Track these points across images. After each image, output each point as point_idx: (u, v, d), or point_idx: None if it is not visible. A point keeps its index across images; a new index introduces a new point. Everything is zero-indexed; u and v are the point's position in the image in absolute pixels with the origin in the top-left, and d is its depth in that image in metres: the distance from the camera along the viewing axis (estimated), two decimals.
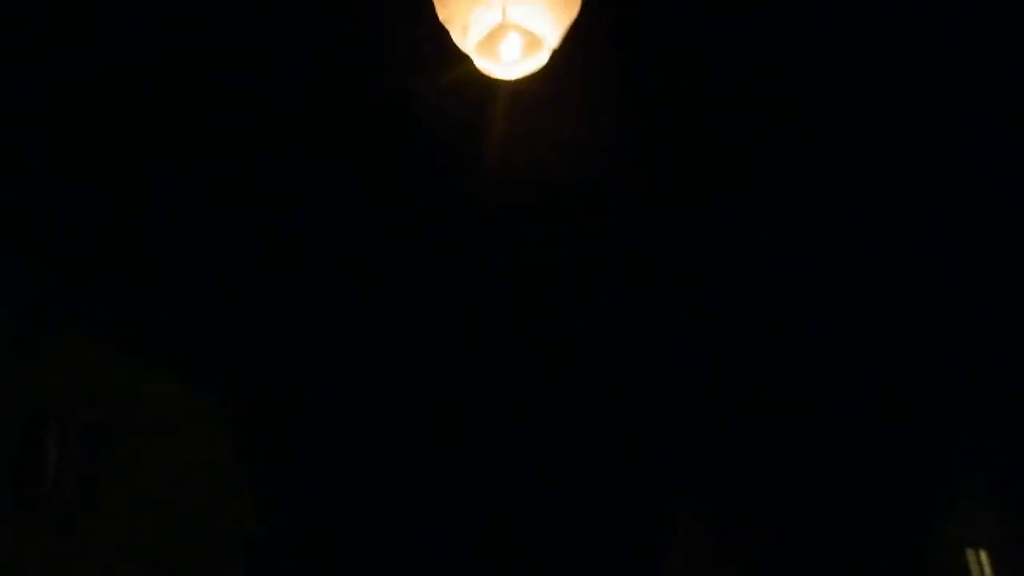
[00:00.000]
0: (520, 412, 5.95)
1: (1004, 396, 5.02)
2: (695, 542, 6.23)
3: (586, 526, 6.29)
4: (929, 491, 5.49)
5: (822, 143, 4.39)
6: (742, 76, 3.86)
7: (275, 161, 4.67)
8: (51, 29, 3.95)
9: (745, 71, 3.90)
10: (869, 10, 3.64)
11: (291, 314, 5.97)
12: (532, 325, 5.46)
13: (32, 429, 6.00)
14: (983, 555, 5.46)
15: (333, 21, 3.39)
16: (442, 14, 2.05)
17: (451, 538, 6.14)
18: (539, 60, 2.12)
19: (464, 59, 2.13)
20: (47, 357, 6.11)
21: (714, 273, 5.03)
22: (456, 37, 2.07)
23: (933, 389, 5.12)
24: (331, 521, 6.47)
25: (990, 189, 4.47)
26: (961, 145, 4.33)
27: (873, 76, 3.98)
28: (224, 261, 5.67)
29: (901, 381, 5.17)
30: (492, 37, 2.05)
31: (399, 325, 5.83)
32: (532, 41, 2.08)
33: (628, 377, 5.60)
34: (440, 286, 5.35)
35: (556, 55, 2.11)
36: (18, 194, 5.16)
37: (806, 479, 5.65)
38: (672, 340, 5.35)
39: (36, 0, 3.86)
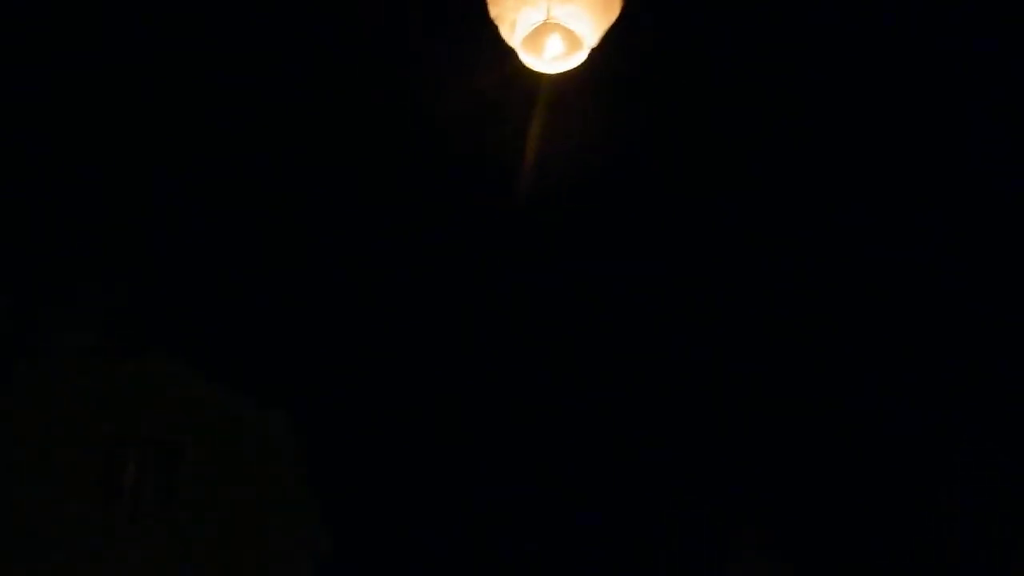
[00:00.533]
0: (581, 423, 5.94)
1: (1005, 397, 5.03)
2: (695, 542, 6.24)
3: (586, 526, 6.30)
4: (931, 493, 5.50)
5: (828, 143, 4.40)
6: (765, 77, 3.84)
7: (341, 186, 4.73)
8: (51, 29, 3.95)
9: (771, 73, 3.88)
10: (869, 9, 3.65)
11: (360, 339, 6.01)
12: (566, 328, 5.46)
13: (113, 449, 6.22)
14: None
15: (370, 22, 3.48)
16: (493, 11, 2.26)
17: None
18: (578, 58, 2.35)
19: (511, 53, 2.36)
20: (127, 379, 6.31)
21: (716, 273, 5.03)
22: (504, 32, 2.29)
23: (933, 389, 5.12)
24: (398, 540, 6.50)
25: (990, 189, 4.48)
26: (961, 145, 4.33)
27: (873, 75, 3.99)
28: (296, 288, 5.75)
29: (901, 381, 5.18)
30: (537, 34, 2.28)
31: (460, 346, 5.85)
32: (573, 40, 2.31)
33: (631, 377, 5.61)
34: (456, 287, 5.36)
35: (594, 53, 2.34)
36: (100, 218, 5.24)
37: (806, 479, 5.65)
38: (675, 340, 5.35)
39: (36, 0, 3.87)
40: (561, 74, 2.41)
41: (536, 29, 2.27)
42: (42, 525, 6.03)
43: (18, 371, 6.04)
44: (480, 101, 3.48)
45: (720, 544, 5.93)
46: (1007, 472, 5.05)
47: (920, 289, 4.84)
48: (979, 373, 4.93)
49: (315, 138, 4.50)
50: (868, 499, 5.48)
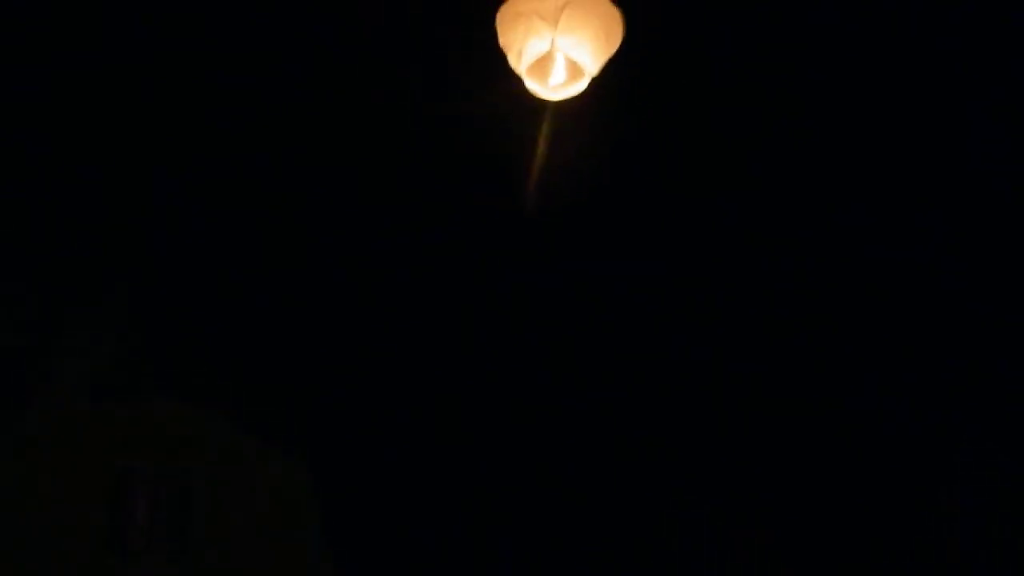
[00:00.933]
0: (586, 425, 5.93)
1: (1005, 397, 5.03)
2: (695, 542, 6.24)
3: (586, 526, 6.30)
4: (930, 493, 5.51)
5: (828, 143, 4.41)
6: (762, 80, 3.87)
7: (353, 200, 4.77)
8: (51, 29, 3.96)
9: (767, 75, 3.91)
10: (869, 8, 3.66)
11: (372, 374, 6.01)
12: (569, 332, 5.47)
13: (123, 488, 6.22)
14: None
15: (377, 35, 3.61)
16: (502, 40, 2.46)
17: None
18: (580, 86, 2.57)
19: (517, 80, 2.59)
20: (136, 418, 6.31)
21: (716, 273, 5.04)
22: (512, 61, 2.51)
23: (933, 389, 5.12)
24: None
25: (990, 189, 4.48)
26: (961, 145, 4.34)
27: (873, 75, 4.00)
28: (308, 327, 5.78)
29: (901, 381, 5.18)
30: (542, 63, 2.49)
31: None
32: (575, 69, 2.51)
33: (630, 377, 5.61)
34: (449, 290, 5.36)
35: (595, 81, 2.56)
36: (105, 255, 5.24)
37: (806, 479, 5.66)
38: (674, 340, 5.36)
39: (36, 0, 3.87)
40: (564, 99, 2.61)
41: (541, 58, 2.45)
42: (50, 565, 6.01)
43: (25, 410, 6.03)
44: (485, 107, 3.58)
45: (720, 544, 5.93)
46: (1007, 472, 5.05)
47: (920, 289, 4.84)
48: (979, 373, 4.92)
49: (315, 140, 4.51)
50: (868, 499, 5.48)
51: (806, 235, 4.81)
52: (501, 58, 2.51)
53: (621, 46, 2.52)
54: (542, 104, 2.82)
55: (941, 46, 3.78)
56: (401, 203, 4.77)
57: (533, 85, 2.57)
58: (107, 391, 6.22)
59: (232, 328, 5.98)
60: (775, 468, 5.70)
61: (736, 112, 4.21)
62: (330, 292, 5.55)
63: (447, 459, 6.30)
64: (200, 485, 6.49)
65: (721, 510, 5.86)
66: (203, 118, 4.39)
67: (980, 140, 4.23)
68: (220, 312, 5.85)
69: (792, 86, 4.12)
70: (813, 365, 5.33)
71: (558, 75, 2.55)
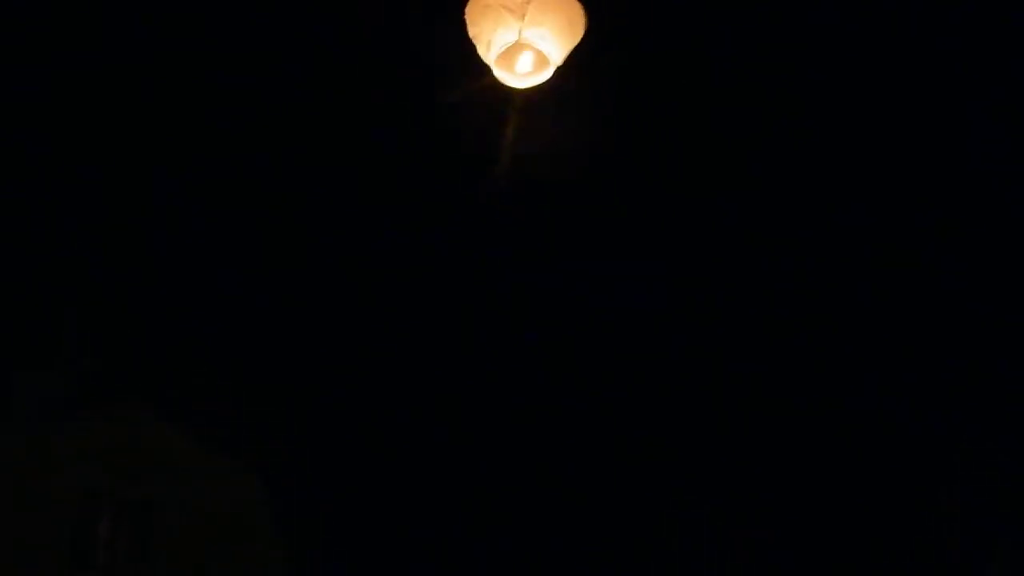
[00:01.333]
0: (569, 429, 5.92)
1: (1005, 397, 5.03)
2: (695, 542, 6.24)
3: (586, 526, 6.29)
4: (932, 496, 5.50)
5: (828, 143, 4.40)
6: (742, 75, 3.90)
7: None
8: (51, 29, 3.95)
9: (746, 70, 3.93)
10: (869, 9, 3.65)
11: (337, 395, 5.99)
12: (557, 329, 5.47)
13: (86, 506, 6.21)
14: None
15: (352, 26, 3.69)
16: (472, 31, 2.57)
17: None
18: (546, 74, 2.68)
19: (485, 70, 2.69)
20: (99, 435, 6.29)
21: (716, 273, 5.03)
22: (480, 51, 2.61)
23: (933, 389, 5.12)
24: None
25: (990, 189, 4.48)
26: (961, 145, 4.33)
27: (873, 75, 3.99)
28: (273, 345, 5.76)
29: (901, 381, 5.18)
30: (509, 53, 2.60)
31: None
32: (541, 59, 2.63)
33: (628, 377, 5.61)
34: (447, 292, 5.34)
35: (559, 71, 2.66)
36: (73, 273, 5.19)
37: (806, 479, 5.65)
38: (672, 340, 5.36)
39: (36, 0, 3.87)
40: (530, 88, 2.74)
41: (508, 48, 2.57)
42: None
43: None
44: (464, 105, 3.70)
45: (720, 544, 5.93)
46: (1007, 472, 5.05)
47: (920, 289, 4.84)
48: (979, 373, 4.92)
49: (314, 142, 4.50)
50: (868, 499, 5.48)
51: (806, 235, 4.81)
52: (471, 48, 2.62)
53: (584, 37, 2.63)
54: (510, 92, 2.93)
55: (941, 46, 3.78)
56: (383, 200, 4.78)
57: (502, 74, 2.66)
58: (69, 408, 6.19)
59: (195, 344, 5.96)
60: (775, 468, 5.70)
61: (735, 112, 4.20)
62: (300, 306, 5.54)
63: (426, 466, 6.29)
64: (164, 503, 6.48)
65: (721, 510, 5.86)
66: (203, 118, 4.38)
67: (980, 140, 4.23)
68: (183, 328, 5.83)
69: (792, 86, 4.11)
70: (813, 365, 5.33)
71: (524, 64, 2.66)
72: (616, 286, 5.18)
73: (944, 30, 3.70)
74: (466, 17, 2.58)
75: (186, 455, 6.63)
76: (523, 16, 2.51)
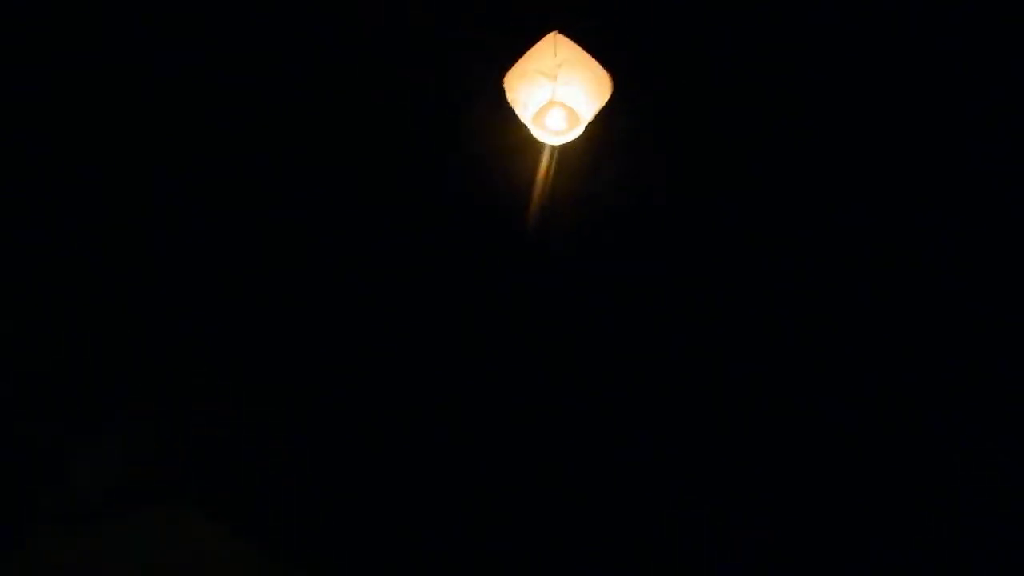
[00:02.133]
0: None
1: (1005, 397, 5.03)
2: (695, 542, 6.24)
3: (586, 526, 6.29)
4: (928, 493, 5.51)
5: (828, 143, 4.42)
6: (735, 71, 3.94)
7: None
8: (51, 29, 3.96)
9: (745, 68, 3.95)
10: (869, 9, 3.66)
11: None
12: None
13: None
14: None
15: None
16: (510, 96, 3.03)
17: None
18: (577, 131, 3.19)
19: (522, 126, 3.24)
20: (144, 537, 5.87)
21: (716, 273, 5.05)
22: (518, 110, 3.09)
23: (933, 389, 5.13)
24: None
25: (990, 189, 4.49)
26: (961, 145, 4.34)
27: (873, 75, 4.00)
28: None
29: (901, 381, 5.18)
30: (543, 111, 3.10)
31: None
32: (573, 116, 3.11)
33: (630, 377, 5.61)
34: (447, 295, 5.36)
35: (590, 127, 3.16)
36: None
37: (805, 479, 5.66)
38: (674, 340, 5.36)
39: (36, 0, 3.87)
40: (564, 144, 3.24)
41: (542, 108, 3.06)
42: None
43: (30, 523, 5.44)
44: (496, 148, 3.95)
45: (720, 544, 5.93)
46: (1007, 472, 5.06)
47: (920, 289, 4.85)
48: (979, 373, 4.93)
49: (315, 143, 4.51)
50: (868, 499, 5.49)
51: (806, 235, 4.82)
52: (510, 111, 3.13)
53: (612, 96, 3.04)
54: (543, 147, 3.43)
55: (941, 46, 3.79)
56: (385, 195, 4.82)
57: (537, 131, 3.15)
58: (114, 505, 5.59)
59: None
60: (775, 468, 5.71)
61: (735, 112, 4.22)
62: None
63: (426, 466, 6.30)
64: None
65: (721, 510, 5.87)
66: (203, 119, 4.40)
67: (980, 140, 4.24)
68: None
69: (791, 86, 4.12)
70: (813, 365, 5.34)
71: (557, 122, 3.13)
72: (616, 286, 5.19)
73: (944, 30, 3.71)
74: (504, 84, 2.98)
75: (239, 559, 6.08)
76: (555, 78, 2.92)
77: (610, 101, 3.03)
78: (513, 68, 2.98)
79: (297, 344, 5.63)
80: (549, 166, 4.25)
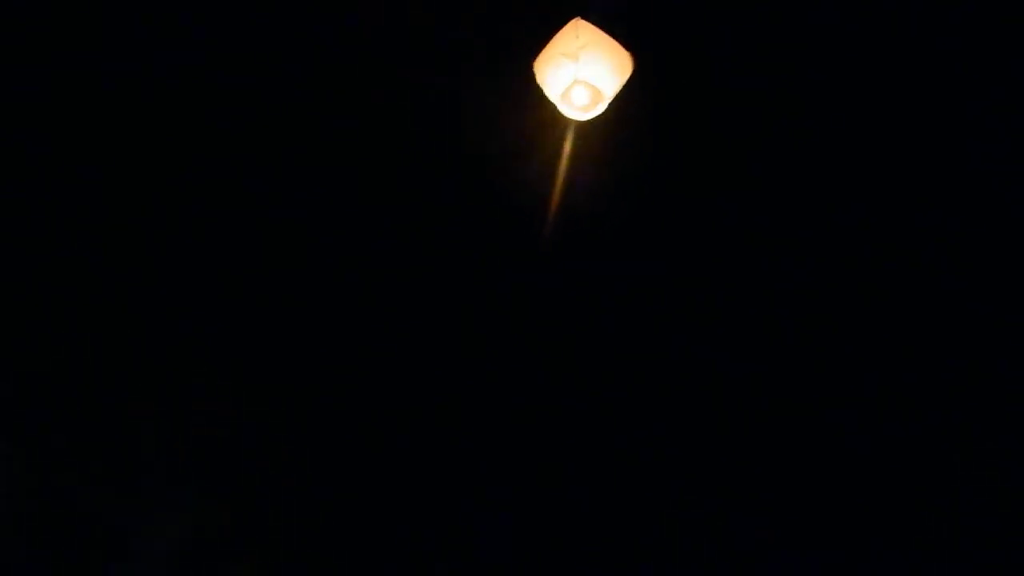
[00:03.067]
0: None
1: (1005, 397, 5.03)
2: (695, 542, 6.24)
3: (586, 526, 6.29)
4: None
5: (828, 143, 4.42)
6: (737, 70, 3.95)
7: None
8: (51, 29, 3.95)
9: (745, 66, 3.96)
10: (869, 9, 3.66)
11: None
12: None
13: None
14: None
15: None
16: (539, 79, 3.42)
17: None
18: (600, 107, 3.50)
19: (522, 127, 3.84)
20: None
21: (716, 273, 5.04)
22: (546, 89, 3.45)
23: (933, 389, 5.13)
24: None
25: (990, 189, 4.48)
26: (961, 145, 4.34)
27: (873, 74, 4.00)
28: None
29: (901, 381, 5.18)
30: (568, 89, 3.40)
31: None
32: (596, 94, 3.42)
33: (630, 377, 5.61)
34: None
35: (612, 104, 3.50)
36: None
37: (806, 479, 5.66)
38: (674, 340, 5.36)
39: (36, 0, 3.87)
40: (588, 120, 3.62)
41: (568, 87, 3.36)
42: None
43: None
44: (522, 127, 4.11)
45: (720, 544, 5.93)
46: (1007, 472, 5.06)
47: (920, 289, 4.85)
48: (979, 373, 4.93)
49: (315, 143, 4.51)
50: (868, 499, 5.48)
51: (806, 235, 4.82)
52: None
53: (632, 75, 3.42)
54: (568, 122, 3.80)
55: (941, 46, 3.79)
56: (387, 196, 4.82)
57: (565, 108, 3.46)
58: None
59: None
60: (775, 468, 5.70)
61: (735, 112, 4.22)
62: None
63: (426, 466, 6.29)
64: None
65: (721, 510, 5.86)
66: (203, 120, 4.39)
67: (980, 140, 4.24)
68: None
69: (790, 86, 4.12)
70: (813, 365, 5.34)
71: (581, 99, 3.41)
72: (616, 286, 5.19)
73: (944, 30, 3.71)
74: (534, 68, 3.37)
75: None
76: (578, 59, 3.23)
77: (631, 79, 3.42)
78: (541, 53, 3.34)
79: (297, 344, 5.63)
80: (548, 167, 4.31)
